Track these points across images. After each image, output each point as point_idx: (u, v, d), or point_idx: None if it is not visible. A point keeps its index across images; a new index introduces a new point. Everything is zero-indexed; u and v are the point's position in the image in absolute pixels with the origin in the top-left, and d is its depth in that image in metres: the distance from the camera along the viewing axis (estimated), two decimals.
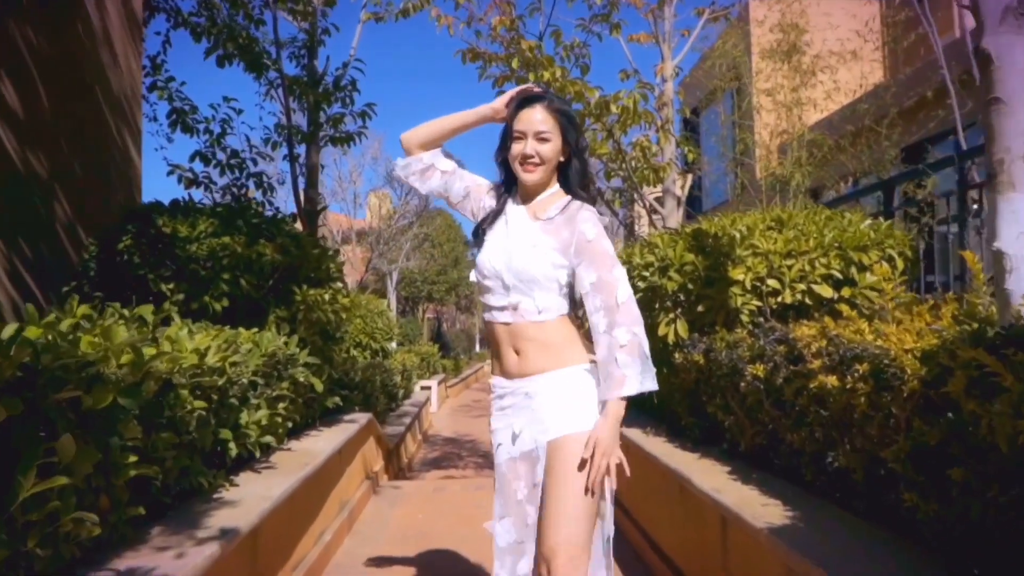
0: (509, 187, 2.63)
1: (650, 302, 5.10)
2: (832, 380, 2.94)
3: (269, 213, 8.39)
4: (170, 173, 8.48)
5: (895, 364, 2.55)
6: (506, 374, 2.55)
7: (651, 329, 5.12)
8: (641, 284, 5.13)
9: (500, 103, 2.58)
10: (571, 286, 2.51)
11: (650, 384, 2.38)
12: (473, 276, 2.62)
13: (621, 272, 2.45)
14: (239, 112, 8.64)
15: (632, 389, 2.35)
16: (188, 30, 8.51)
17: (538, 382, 2.47)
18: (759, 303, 4.67)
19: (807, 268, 4.67)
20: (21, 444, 2.04)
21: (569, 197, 2.55)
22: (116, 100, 7.05)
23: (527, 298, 2.46)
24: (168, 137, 8.65)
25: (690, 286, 4.90)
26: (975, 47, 2.88)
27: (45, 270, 5.63)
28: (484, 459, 10.87)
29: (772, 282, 4.68)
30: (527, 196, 2.58)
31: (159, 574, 2.45)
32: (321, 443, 5.28)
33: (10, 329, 2.23)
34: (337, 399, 5.95)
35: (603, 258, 2.43)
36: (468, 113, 2.67)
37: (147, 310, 3.27)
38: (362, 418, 6.78)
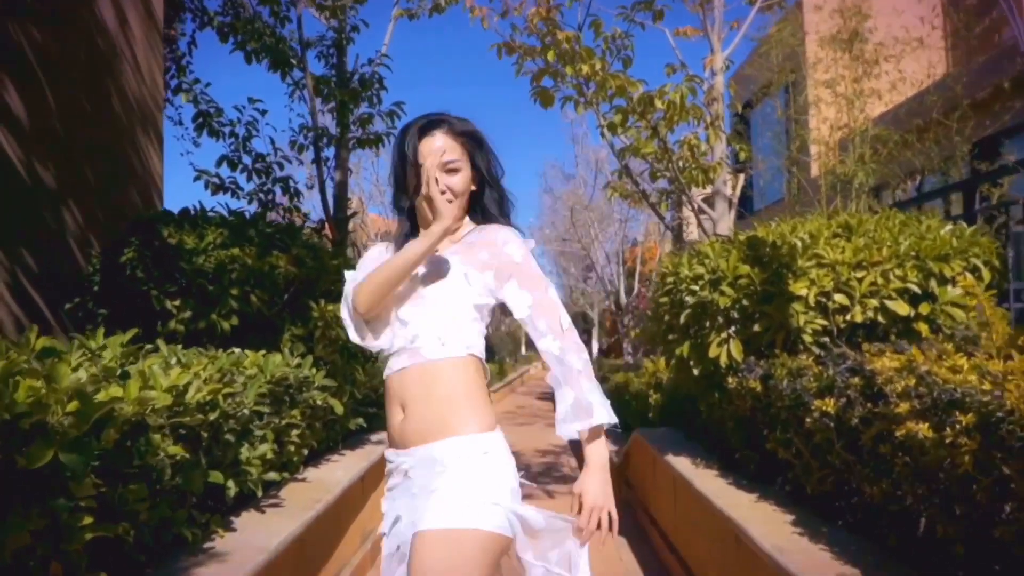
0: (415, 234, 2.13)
1: (700, 319, 4.58)
2: (924, 429, 2.40)
3: (296, 220, 8.09)
4: (196, 179, 8.18)
5: (1014, 419, 2.02)
6: (392, 443, 2.05)
7: (701, 349, 4.62)
8: (689, 299, 4.61)
9: (449, 213, 1.99)
10: (482, 321, 2.07)
11: (610, 416, 1.92)
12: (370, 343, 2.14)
13: (556, 295, 2.06)
14: (264, 113, 8.29)
15: (603, 418, 1.90)
16: (214, 29, 8.19)
17: (416, 455, 1.96)
18: (824, 322, 4.13)
19: (880, 281, 4.10)
20: None
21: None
22: (134, 105, 6.73)
23: (427, 327, 2.00)
24: (194, 141, 8.34)
25: (745, 302, 4.36)
26: None
27: (54, 285, 5.31)
28: (526, 473, 10.40)
29: (840, 297, 4.13)
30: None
31: None
32: (339, 472, 4.86)
33: None
34: (360, 420, 5.54)
35: (536, 280, 2.03)
36: (415, 246, 2.02)
37: (115, 341, 2.86)
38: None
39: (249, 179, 8.20)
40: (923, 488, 2.50)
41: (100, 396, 2.36)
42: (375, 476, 5.64)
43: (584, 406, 1.90)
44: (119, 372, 2.68)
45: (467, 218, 2.16)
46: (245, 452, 3.62)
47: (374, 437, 6.26)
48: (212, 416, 3.21)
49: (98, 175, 6.10)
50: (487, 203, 2.15)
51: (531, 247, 2.11)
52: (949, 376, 2.45)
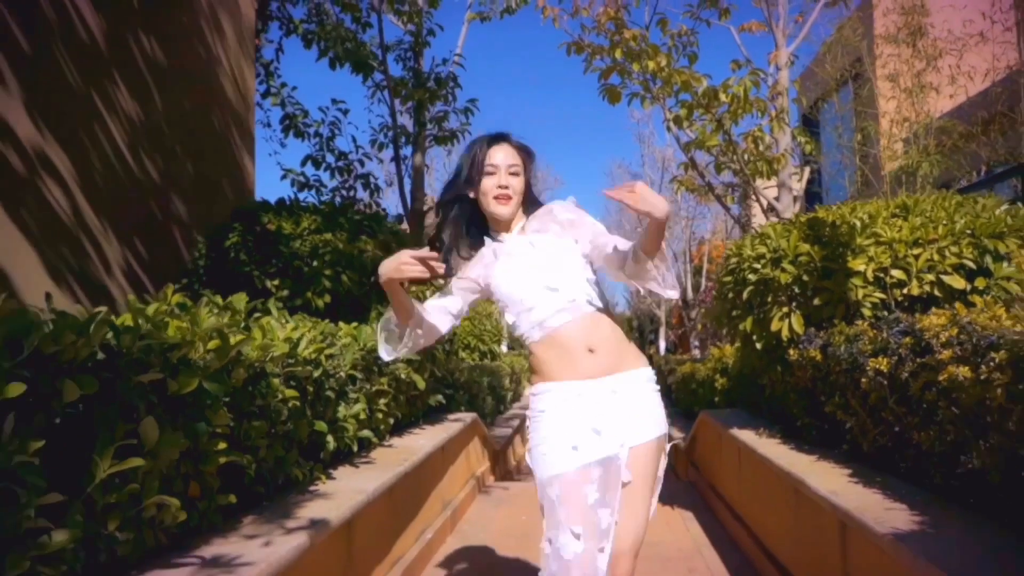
0: (477, 236, 2.62)
1: (762, 295, 4.82)
2: (964, 371, 2.64)
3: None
4: (283, 177, 8.70)
5: None
6: (580, 375, 2.39)
7: (764, 324, 4.86)
8: (752, 276, 4.86)
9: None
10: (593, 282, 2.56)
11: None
12: (509, 316, 2.54)
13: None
14: (346, 113, 8.78)
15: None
16: (299, 37, 8.71)
17: (622, 380, 2.41)
18: (882, 295, 4.33)
19: (936, 258, 4.28)
20: (99, 425, 2.02)
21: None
22: (229, 107, 7.26)
23: (576, 290, 2.44)
24: (281, 142, 8.88)
25: (805, 278, 4.59)
26: None
27: (160, 270, 5.81)
28: None
29: (897, 273, 4.32)
30: (507, 226, 2.60)
31: (244, 562, 2.40)
32: (423, 440, 5.23)
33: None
34: (440, 397, 5.91)
35: (593, 224, 2.54)
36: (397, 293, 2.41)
37: (240, 299, 3.27)
38: (467, 417, 6.73)
39: (332, 177, 8.69)
40: (966, 428, 2.72)
41: (231, 340, 2.75)
42: (455, 448, 6.00)
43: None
44: (243, 324, 3.08)
45: (520, 211, 2.61)
46: (342, 410, 4.00)
47: (451, 416, 6.64)
48: (316, 373, 3.60)
49: (197, 172, 6.62)
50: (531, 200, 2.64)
51: (573, 201, 2.60)
52: (987, 323, 2.68)
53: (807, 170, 8.86)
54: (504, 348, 13.65)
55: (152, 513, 2.27)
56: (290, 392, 3.13)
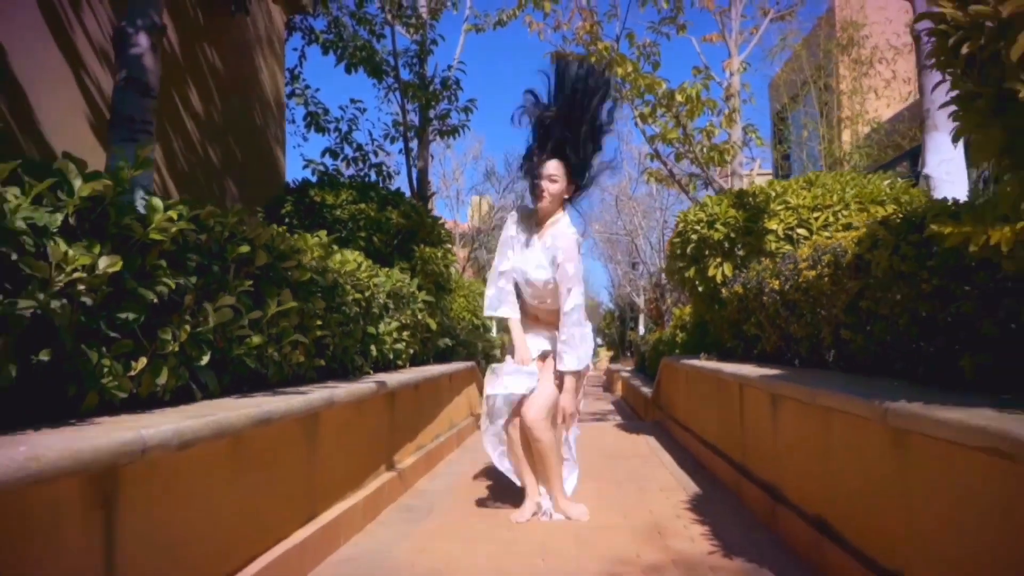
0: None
1: (701, 250, 6.22)
2: (810, 273, 4.02)
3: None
4: (305, 167, 10.00)
5: (846, 252, 3.63)
6: (536, 327, 4.22)
7: (703, 271, 6.25)
8: (694, 236, 6.25)
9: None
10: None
11: (574, 366, 4.07)
12: (513, 272, 4.24)
13: (581, 281, 4.11)
14: (363, 111, 10.15)
15: (568, 367, 4.06)
16: (319, 45, 10.06)
17: (553, 333, 4.14)
18: (790, 247, 5.72)
19: (831, 219, 5.69)
20: (264, 291, 3.35)
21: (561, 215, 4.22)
22: (267, 106, 8.60)
23: (548, 290, 4.16)
24: (303, 136, 10.22)
25: (732, 235, 5.99)
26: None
27: None
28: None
29: (801, 230, 5.73)
30: (541, 219, 4.19)
31: (331, 391, 3.73)
32: (435, 369, 6.58)
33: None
34: (447, 340, 7.24)
35: (569, 267, 4.06)
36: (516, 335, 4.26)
37: (323, 234, 4.62)
38: (467, 363, 8.08)
39: (348, 167, 10.04)
40: (813, 313, 4.10)
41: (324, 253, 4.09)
42: (459, 383, 7.35)
43: (561, 356, 4.03)
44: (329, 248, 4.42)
45: (562, 214, 4.20)
46: (382, 326, 5.34)
47: (455, 360, 7.98)
48: (367, 293, 4.94)
49: (244, 159, 7.95)
50: (576, 202, 4.31)
51: (578, 241, 4.13)
52: (826, 242, 4.06)
53: (758, 162, 10.30)
54: (494, 334, 14.97)
55: (287, 351, 3.60)
56: (356, 295, 4.47)
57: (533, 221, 4.23)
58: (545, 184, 4.03)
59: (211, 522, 2.37)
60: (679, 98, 7.92)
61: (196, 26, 7.09)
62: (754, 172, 10.13)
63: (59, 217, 1.99)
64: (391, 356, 5.44)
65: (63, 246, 1.94)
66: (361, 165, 10.07)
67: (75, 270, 1.97)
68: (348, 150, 10.06)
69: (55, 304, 1.92)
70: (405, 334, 6.06)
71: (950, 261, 2.56)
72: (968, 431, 1.77)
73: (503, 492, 4.54)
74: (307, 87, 10.17)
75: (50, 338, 2.01)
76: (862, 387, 2.74)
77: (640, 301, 27.20)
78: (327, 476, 3.53)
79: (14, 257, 1.82)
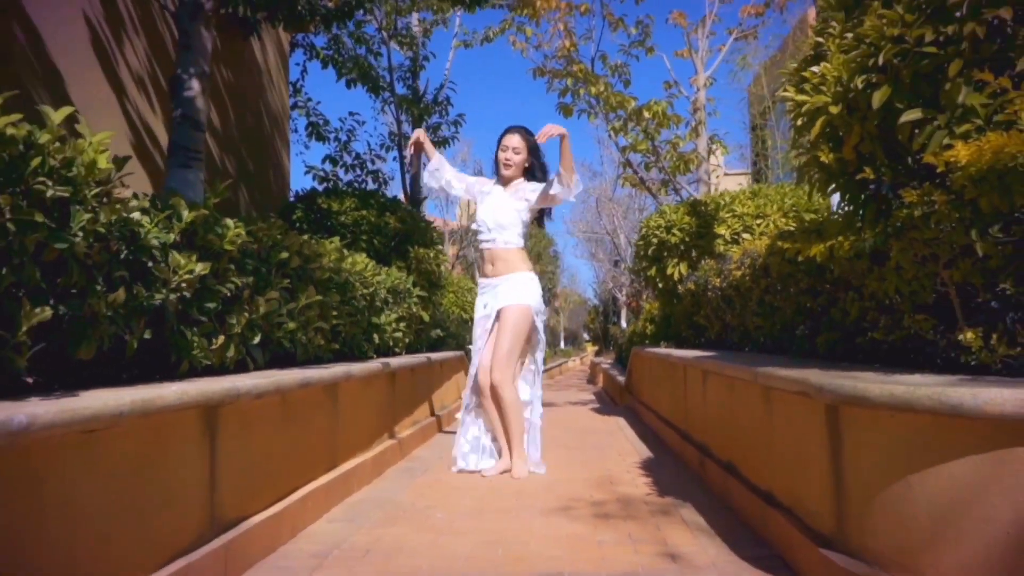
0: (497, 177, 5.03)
1: (661, 251, 7.12)
2: (738, 273, 4.91)
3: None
4: (307, 173, 10.89)
5: (760, 256, 4.52)
6: (486, 276, 4.93)
7: (663, 270, 7.15)
8: (655, 240, 7.15)
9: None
10: (526, 225, 4.92)
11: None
12: (475, 225, 4.99)
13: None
14: (362, 124, 11.05)
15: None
16: (319, 61, 10.91)
17: (501, 280, 4.84)
18: (737, 249, 6.62)
19: (770, 227, 6.60)
20: (296, 287, 4.22)
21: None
22: (274, 119, 9.45)
23: (506, 231, 4.84)
24: (305, 144, 11.06)
25: (687, 239, 6.89)
26: None
27: None
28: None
29: (746, 236, 6.63)
30: (505, 183, 4.99)
31: (348, 367, 4.60)
32: (428, 356, 7.45)
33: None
34: (439, 331, 8.11)
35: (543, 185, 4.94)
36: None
37: (335, 240, 5.48)
38: (456, 353, 8.96)
39: (347, 173, 10.91)
40: (740, 306, 4.99)
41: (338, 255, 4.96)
42: (448, 371, 8.23)
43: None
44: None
45: (521, 180, 4.96)
46: (383, 317, 6.21)
47: (445, 350, 8.85)
48: (371, 289, 5.81)
49: (255, 167, 8.81)
50: (535, 172, 5.00)
51: (537, 190, 4.90)
52: (751, 246, 4.96)
53: (722, 169, 11.20)
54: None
55: (311, 335, 4.47)
56: (364, 291, 5.35)
57: (499, 188, 5.06)
58: (509, 155, 4.88)
59: (268, 456, 3.25)
60: (647, 114, 8.81)
61: (214, 49, 7.93)
62: (719, 177, 11.04)
63: (172, 236, 2.86)
64: (390, 343, 6.31)
65: (176, 256, 2.81)
66: (359, 171, 10.94)
67: (184, 273, 2.84)
68: (347, 158, 10.91)
69: (172, 297, 2.79)
70: (402, 325, 6.92)
71: (814, 266, 3.46)
72: (790, 381, 2.67)
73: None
74: (309, 99, 11.05)
75: (157, 322, 2.87)
76: (757, 362, 3.64)
77: (622, 296, 28.29)
78: (344, 435, 4.41)
79: (150, 264, 2.69)
